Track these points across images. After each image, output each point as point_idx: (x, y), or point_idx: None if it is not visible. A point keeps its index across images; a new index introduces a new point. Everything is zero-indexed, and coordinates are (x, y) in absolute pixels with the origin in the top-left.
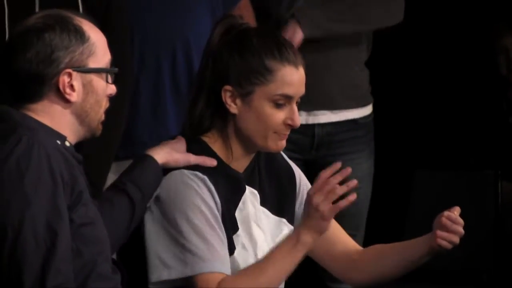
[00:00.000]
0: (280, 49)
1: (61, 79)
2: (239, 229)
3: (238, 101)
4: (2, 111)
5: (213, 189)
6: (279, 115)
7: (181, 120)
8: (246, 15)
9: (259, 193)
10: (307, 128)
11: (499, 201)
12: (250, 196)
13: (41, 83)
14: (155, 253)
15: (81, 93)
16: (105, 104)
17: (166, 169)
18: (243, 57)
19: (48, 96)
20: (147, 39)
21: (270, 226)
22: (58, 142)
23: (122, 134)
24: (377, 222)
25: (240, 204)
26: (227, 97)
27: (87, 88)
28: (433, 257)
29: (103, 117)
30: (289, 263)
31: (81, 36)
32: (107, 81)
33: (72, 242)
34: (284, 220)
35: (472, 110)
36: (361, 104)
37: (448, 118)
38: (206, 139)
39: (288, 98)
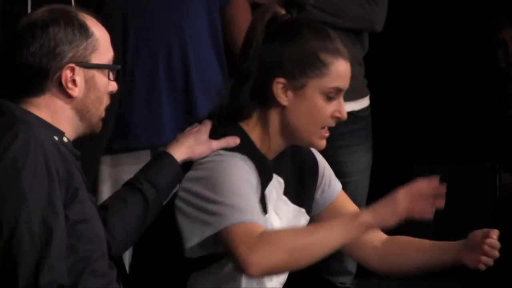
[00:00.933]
0: (332, 41)
1: (63, 73)
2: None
3: (289, 93)
4: (1, 104)
5: (253, 168)
6: (329, 108)
7: (176, 113)
8: (242, 11)
9: (283, 182)
10: None
11: (497, 194)
12: (276, 185)
13: (43, 77)
14: (191, 219)
15: (83, 89)
16: (106, 100)
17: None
18: (297, 49)
19: (50, 90)
20: (142, 32)
21: (288, 216)
22: (56, 138)
23: (113, 127)
24: None
25: (266, 190)
26: (278, 89)
27: (89, 83)
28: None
29: (103, 114)
30: (340, 234)
31: (85, 32)
32: (108, 78)
33: (67, 239)
34: (303, 210)
35: (470, 104)
36: (359, 97)
37: (446, 112)
38: (243, 125)
39: (338, 91)
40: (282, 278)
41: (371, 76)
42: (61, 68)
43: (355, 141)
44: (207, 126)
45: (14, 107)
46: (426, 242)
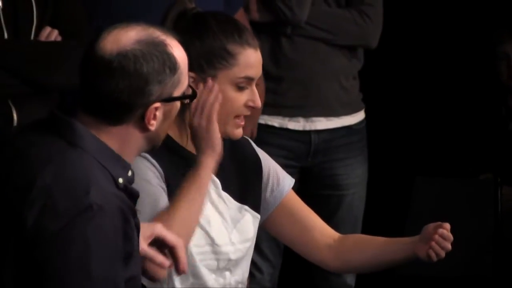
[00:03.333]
0: (240, 32)
1: (148, 111)
2: None
3: (200, 86)
4: (70, 124)
5: (155, 164)
6: (242, 98)
7: None
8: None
9: (219, 178)
10: (304, 135)
11: (498, 208)
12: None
13: (126, 111)
14: None
15: (160, 121)
16: None
17: None
18: (203, 42)
19: (128, 123)
20: None
21: (230, 212)
22: (121, 180)
23: None
24: (376, 228)
25: None
26: (189, 83)
27: (166, 115)
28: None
29: None
30: (198, 195)
31: (173, 67)
32: (182, 103)
33: None
34: (246, 207)
35: (472, 117)
36: (355, 111)
37: (448, 125)
38: None
39: (250, 80)
40: (238, 276)
41: (372, 89)
42: (146, 105)
43: (350, 154)
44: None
45: (84, 130)
46: (380, 239)
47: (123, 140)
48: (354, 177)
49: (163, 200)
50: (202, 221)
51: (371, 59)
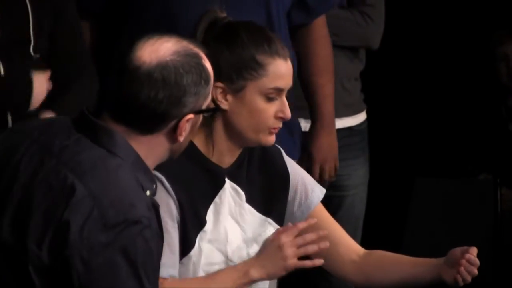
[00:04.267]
0: (270, 43)
1: (182, 122)
2: (207, 225)
3: (229, 97)
4: (107, 130)
5: (169, 189)
6: (271, 109)
7: None
8: (322, 40)
9: (244, 190)
10: (305, 136)
11: (498, 209)
12: (231, 192)
13: (160, 121)
14: None
15: (187, 133)
16: None
17: None
18: (233, 51)
19: (159, 133)
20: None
21: (253, 225)
22: (148, 193)
23: None
24: (376, 230)
25: (217, 198)
26: (218, 94)
27: (193, 127)
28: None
29: None
30: None
31: (207, 80)
32: (203, 116)
33: None
34: (269, 219)
35: (472, 118)
36: (356, 112)
37: (448, 126)
38: None
39: (279, 91)
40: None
41: (372, 90)
42: (180, 116)
43: (351, 154)
44: None
45: (123, 141)
46: (404, 258)
47: (149, 150)
48: (355, 178)
49: (173, 242)
50: (218, 236)
51: (373, 60)
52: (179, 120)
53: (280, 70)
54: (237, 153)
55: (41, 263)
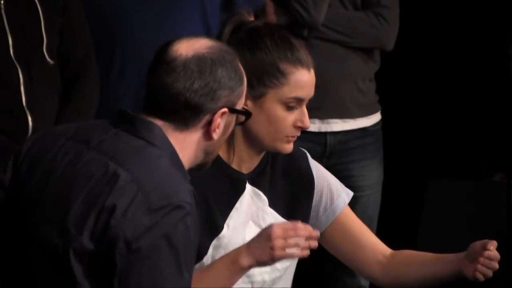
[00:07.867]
0: (293, 51)
1: (216, 115)
2: (224, 231)
3: (249, 102)
4: (147, 123)
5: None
6: (290, 118)
7: None
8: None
9: (267, 194)
10: (319, 137)
11: (511, 209)
12: (253, 196)
13: (194, 113)
14: None
15: (221, 132)
16: None
17: None
18: (256, 57)
19: (193, 127)
20: (130, 51)
21: None
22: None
23: None
24: (390, 231)
25: (237, 204)
26: None
27: (226, 127)
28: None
29: None
30: (224, 279)
31: (241, 77)
32: (236, 120)
33: None
34: None
35: (485, 119)
36: (371, 113)
37: (461, 127)
38: None
39: (299, 101)
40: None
41: (385, 91)
42: (214, 110)
43: (366, 155)
44: None
45: (161, 132)
46: (428, 255)
47: (184, 148)
48: (369, 178)
49: None
50: (237, 242)
51: (388, 61)
52: (214, 114)
53: (302, 79)
54: (257, 158)
55: (82, 248)
